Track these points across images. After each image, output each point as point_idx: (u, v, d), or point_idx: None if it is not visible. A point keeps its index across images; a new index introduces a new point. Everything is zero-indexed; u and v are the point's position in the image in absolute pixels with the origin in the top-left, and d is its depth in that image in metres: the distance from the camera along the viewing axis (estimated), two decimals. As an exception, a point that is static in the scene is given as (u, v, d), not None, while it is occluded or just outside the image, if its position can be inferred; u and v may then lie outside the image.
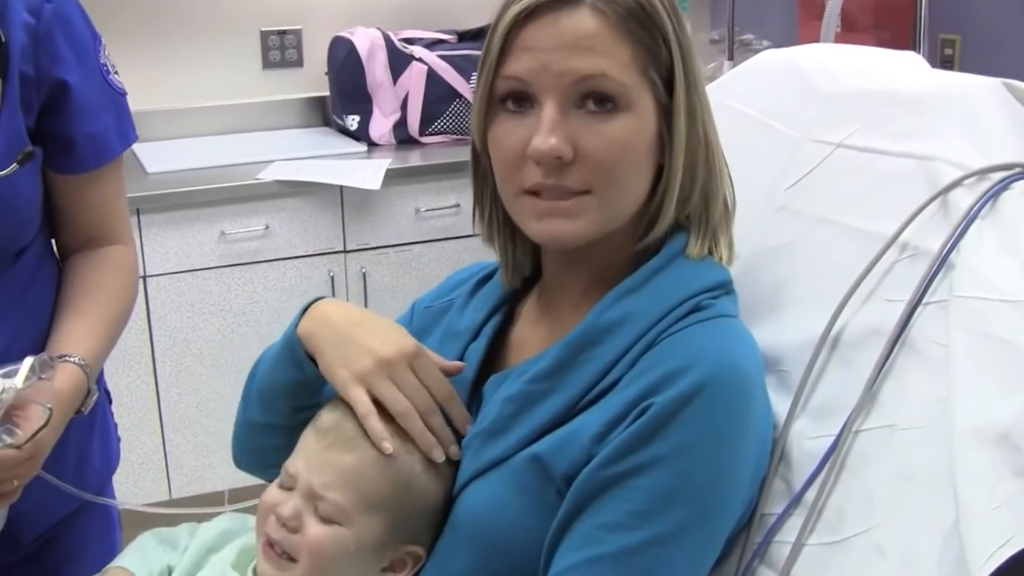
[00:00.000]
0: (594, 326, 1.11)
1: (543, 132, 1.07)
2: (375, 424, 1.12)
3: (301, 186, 3.03)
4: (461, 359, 1.25)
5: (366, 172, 3.06)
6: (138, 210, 2.89)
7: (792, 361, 1.19)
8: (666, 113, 1.11)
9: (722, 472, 1.05)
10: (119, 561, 1.26)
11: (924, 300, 1.10)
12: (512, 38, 1.09)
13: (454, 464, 1.16)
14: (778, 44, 2.54)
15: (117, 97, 1.48)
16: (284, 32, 3.55)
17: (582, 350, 1.11)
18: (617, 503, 1.04)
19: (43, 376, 1.24)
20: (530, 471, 1.09)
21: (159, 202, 2.93)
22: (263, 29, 3.54)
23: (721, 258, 1.18)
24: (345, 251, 3.14)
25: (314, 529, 1.11)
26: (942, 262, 1.10)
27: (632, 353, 1.09)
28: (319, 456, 1.13)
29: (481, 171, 1.21)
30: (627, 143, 1.09)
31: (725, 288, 1.16)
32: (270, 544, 1.13)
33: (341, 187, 3.05)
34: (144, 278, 2.96)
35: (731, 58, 3.42)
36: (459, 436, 1.16)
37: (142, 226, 2.91)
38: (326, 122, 3.60)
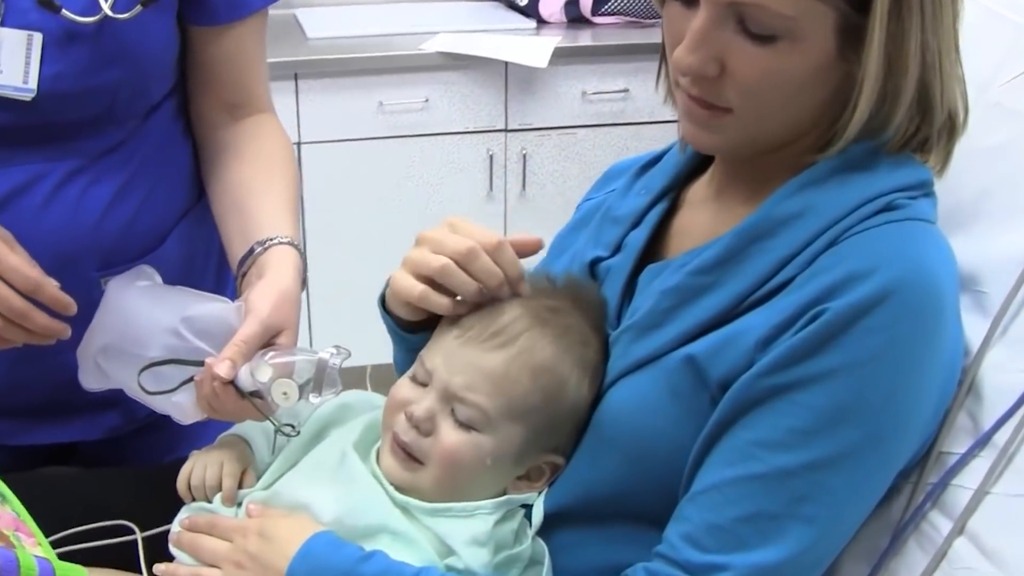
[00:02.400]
0: (770, 216, 0.98)
1: (685, 45, 0.96)
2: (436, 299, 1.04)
3: (464, 60, 2.93)
4: (619, 248, 1.13)
5: (533, 49, 2.94)
6: (296, 75, 2.84)
7: (993, 281, 1.04)
8: (854, 32, 0.93)
9: (900, 393, 0.92)
10: (236, 429, 1.20)
11: None
12: None
13: (603, 372, 1.05)
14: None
15: None
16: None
17: (754, 242, 0.98)
18: (776, 417, 0.92)
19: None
20: (683, 373, 0.98)
21: (318, 67, 2.87)
22: None
23: (927, 163, 1.02)
24: (506, 130, 3.04)
25: (449, 434, 1.02)
26: None
27: (810, 250, 0.95)
28: (460, 352, 1.03)
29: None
30: (783, 73, 0.95)
31: (924, 189, 1.00)
32: (398, 444, 1.04)
33: (506, 63, 2.94)
34: (298, 145, 2.92)
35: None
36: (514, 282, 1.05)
37: (299, 91, 2.86)
38: (495, -5, 3.49)
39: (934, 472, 1.00)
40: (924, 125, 0.99)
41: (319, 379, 1.09)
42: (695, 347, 0.97)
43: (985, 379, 1.00)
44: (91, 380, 1.22)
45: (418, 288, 1.04)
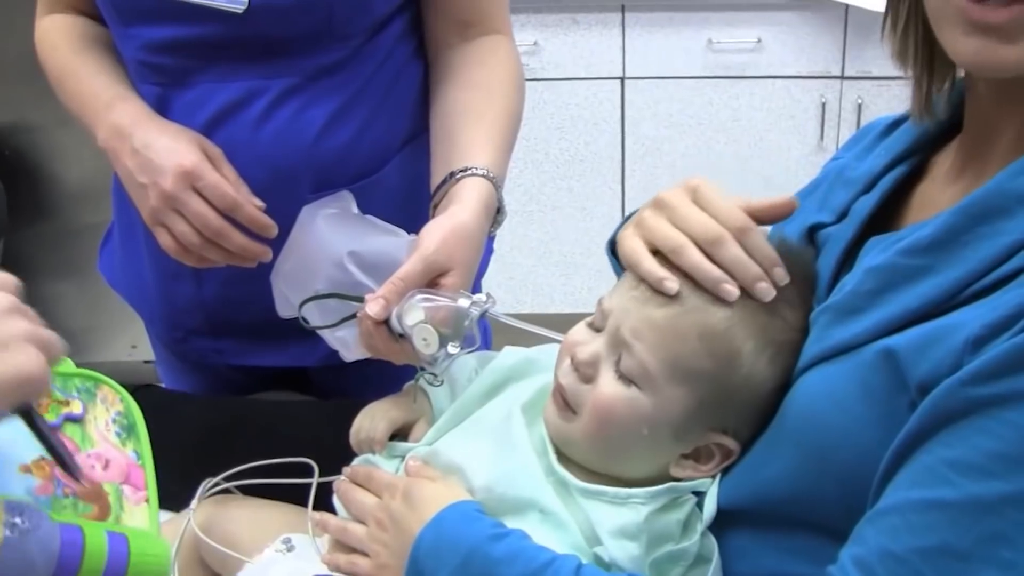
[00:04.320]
0: (1005, 190, 0.80)
1: None
2: (649, 266, 0.92)
3: (802, 0, 2.76)
4: (845, 213, 0.97)
5: (879, -8, 2.70)
6: (623, 7, 2.77)
7: None
8: None
9: None
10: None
11: None
12: None
13: (796, 351, 0.91)
14: None
15: None
16: None
17: (982, 221, 0.80)
18: (978, 436, 0.75)
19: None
20: (880, 369, 0.82)
21: (647, 1, 2.77)
22: None
23: None
24: (842, 77, 2.84)
25: (607, 384, 0.93)
26: None
27: None
28: (632, 301, 0.93)
29: None
30: None
31: None
32: (557, 388, 0.96)
33: (846, 6, 2.75)
34: (622, 80, 2.83)
35: None
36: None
37: (625, 25, 2.79)
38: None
39: None
40: None
41: (458, 329, 1.00)
42: (896, 340, 0.81)
43: None
44: (282, 306, 1.19)
45: (646, 261, 0.93)
